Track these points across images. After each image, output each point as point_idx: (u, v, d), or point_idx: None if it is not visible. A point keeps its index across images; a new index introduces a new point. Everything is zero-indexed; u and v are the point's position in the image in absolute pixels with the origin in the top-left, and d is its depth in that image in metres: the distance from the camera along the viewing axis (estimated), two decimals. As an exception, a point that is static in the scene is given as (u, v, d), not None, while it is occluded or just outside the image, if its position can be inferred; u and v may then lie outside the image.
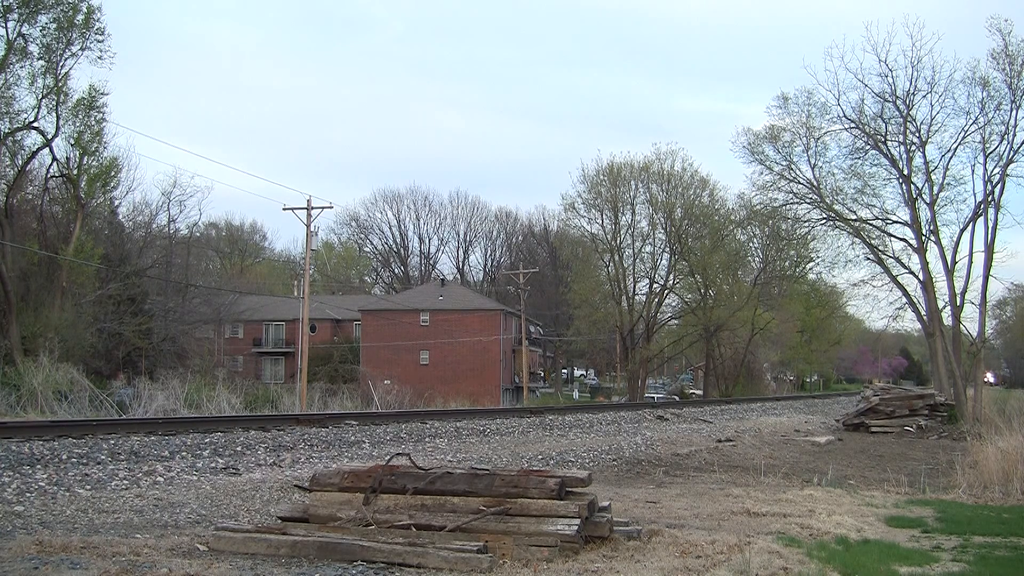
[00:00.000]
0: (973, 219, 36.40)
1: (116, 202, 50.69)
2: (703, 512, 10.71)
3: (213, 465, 12.78)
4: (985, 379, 40.08)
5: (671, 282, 61.21)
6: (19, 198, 43.50)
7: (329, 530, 7.40)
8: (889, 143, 37.81)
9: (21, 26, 39.63)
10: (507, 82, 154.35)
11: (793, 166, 41.11)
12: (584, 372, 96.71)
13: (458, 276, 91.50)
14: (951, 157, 37.30)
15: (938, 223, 37.06)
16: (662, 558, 7.30)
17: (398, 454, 9.22)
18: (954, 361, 36.29)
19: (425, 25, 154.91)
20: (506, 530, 7.12)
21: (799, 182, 40.95)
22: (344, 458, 14.54)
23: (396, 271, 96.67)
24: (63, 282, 41.35)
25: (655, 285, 60.99)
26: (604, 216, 59.05)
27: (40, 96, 40.46)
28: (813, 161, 40.38)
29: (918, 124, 36.93)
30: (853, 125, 38.35)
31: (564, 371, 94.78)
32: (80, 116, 42.22)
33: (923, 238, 36.94)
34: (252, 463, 13.31)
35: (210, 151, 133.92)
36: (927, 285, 37.09)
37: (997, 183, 35.95)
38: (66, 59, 40.90)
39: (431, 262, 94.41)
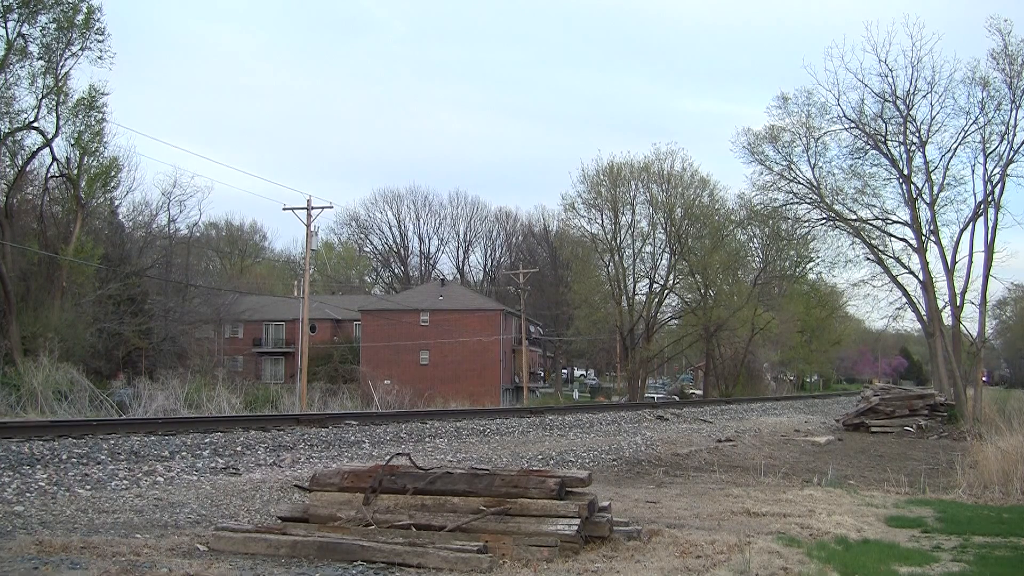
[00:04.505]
0: (973, 219, 36.46)
1: (116, 202, 50.78)
2: (703, 512, 10.70)
3: (213, 465, 12.77)
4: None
5: (671, 282, 61.23)
6: (19, 198, 43.49)
7: (329, 530, 7.40)
8: (889, 143, 37.87)
9: (21, 26, 39.65)
10: (507, 82, 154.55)
11: (793, 166, 41.18)
12: (584, 372, 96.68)
13: (458, 276, 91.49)
14: (951, 157, 37.39)
15: (938, 223, 37.15)
16: (662, 558, 7.30)
17: (398, 454, 9.22)
18: (954, 361, 36.27)
19: (426, 26, 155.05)
20: (506, 530, 7.12)
21: (799, 182, 41.02)
22: (344, 458, 14.54)
23: (396, 271, 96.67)
24: (63, 282, 41.34)
25: (655, 285, 61.03)
26: (604, 216, 59.09)
27: (40, 96, 40.51)
28: (813, 161, 40.47)
29: (918, 124, 37.01)
30: (853, 125, 38.41)
31: (564, 371, 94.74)
32: (80, 116, 42.26)
33: (923, 238, 36.95)
34: (252, 463, 13.30)
35: (210, 151, 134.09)
36: (927, 285, 37.08)
37: (997, 183, 36.03)
38: (66, 59, 40.95)
39: (431, 262, 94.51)
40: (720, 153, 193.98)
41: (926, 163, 37.14)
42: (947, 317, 37.62)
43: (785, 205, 42.41)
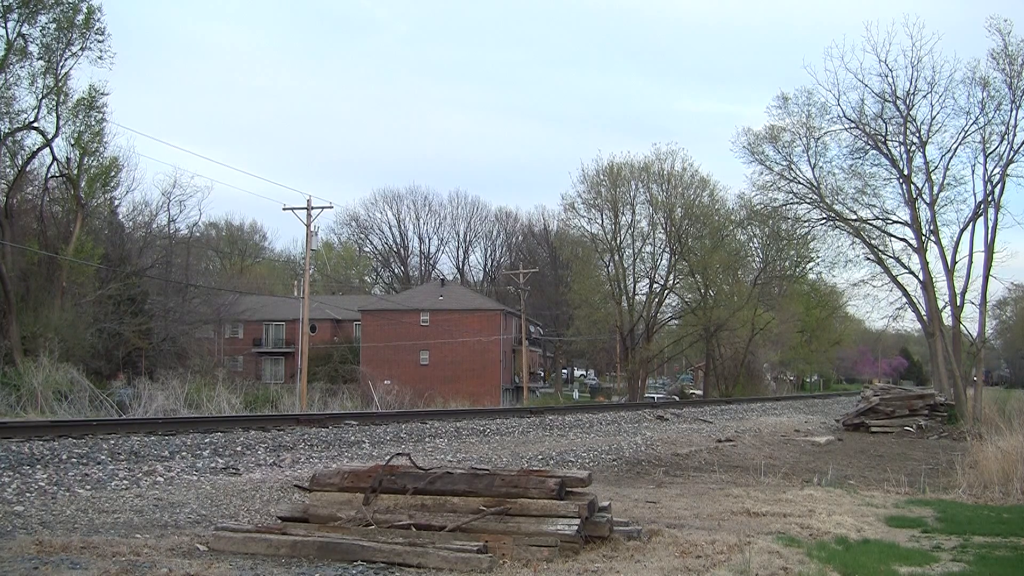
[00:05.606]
0: (973, 219, 36.41)
1: (116, 202, 50.86)
2: (703, 512, 10.70)
3: (213, 465, 12.77)
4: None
5: (671, 282, 61.22)
6: (19, 198, 43.53)
7: (329, 530, 7.40)
8: (889, 143, 37.81)
9: (21, 26, 39.71)
10: (507, 82, 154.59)
11: (793, 166, 41.14)
12: (584, 372, 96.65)
13: (458, 276, 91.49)
14: (951, 157, 37.32)
15: (938, 223, 37.08)
16: (662, 558, 7.30)
17: (398, 454, 9.21)
18: (954, 361, 36.25)
19: (426, 26, 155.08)
20: (506, 530, 7.12)
21: (799, 182, 40.97)
22: (344, 458, 14.54)
23: (396, 271, 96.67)
24: (63, 282, 41.36)
25: (655, 285, 61.01)
26: (604, 216, 59.08)
27: (40, 96, 40.57)
28: (813, 161, 40.41)
29: (918, 124, 36.94)
30: (853, 125, 38.35)
31: (564, 371, 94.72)
32: (80, 116, 42.33)
33: (923, 238, 36.91)
34: (252, 463, 13.30)
35: (210, 151, 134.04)
36: (927, 285, 37.06)
37: (997, 183, 35.97)
38: (66, 59, 41.02)
39: (431, 262, 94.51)
40: (720, 153, 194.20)
41: (926, 163, 37.14)
42: (947, 317, 37.62)
43: (785, 205, 42.39)
